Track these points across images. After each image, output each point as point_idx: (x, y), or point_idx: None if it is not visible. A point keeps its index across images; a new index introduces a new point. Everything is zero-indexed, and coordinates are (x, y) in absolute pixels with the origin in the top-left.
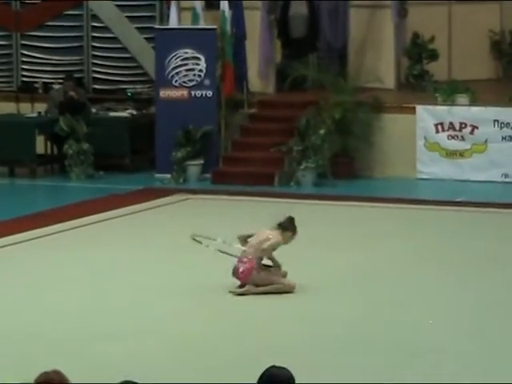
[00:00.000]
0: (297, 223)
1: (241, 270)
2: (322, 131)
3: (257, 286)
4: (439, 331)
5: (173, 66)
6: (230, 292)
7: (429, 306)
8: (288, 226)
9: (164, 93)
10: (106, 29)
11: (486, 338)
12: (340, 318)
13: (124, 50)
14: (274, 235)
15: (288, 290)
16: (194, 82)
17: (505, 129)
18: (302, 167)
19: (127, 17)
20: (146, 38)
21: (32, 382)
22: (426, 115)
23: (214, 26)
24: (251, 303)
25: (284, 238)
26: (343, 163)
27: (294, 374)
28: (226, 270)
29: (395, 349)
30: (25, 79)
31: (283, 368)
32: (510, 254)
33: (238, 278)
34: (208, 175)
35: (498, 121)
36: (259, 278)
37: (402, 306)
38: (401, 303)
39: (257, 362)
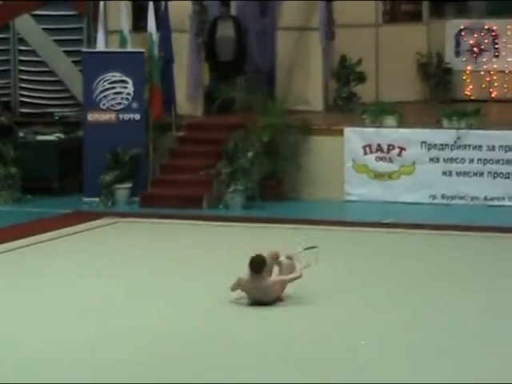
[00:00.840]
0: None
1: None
2: (250, 154)
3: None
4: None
5: (100, 89)
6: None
7: (359, 326)
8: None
9: (92, 116)
10: (33, 52)
11: (414, 355)
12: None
13: (51, 73)
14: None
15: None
16: (121, 106)
17: (432, 150)
18: (230, 190)
19: (54, 40)
20: (73, 62)
21: None
22: (354, 137)
23: (142, 50)
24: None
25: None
26: (272, 186)
27: None
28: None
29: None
30: None
31: None
32: (440, 274)
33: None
34: (136, 198)
35: (425, 142)
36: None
37: (340, 329)
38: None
39: None
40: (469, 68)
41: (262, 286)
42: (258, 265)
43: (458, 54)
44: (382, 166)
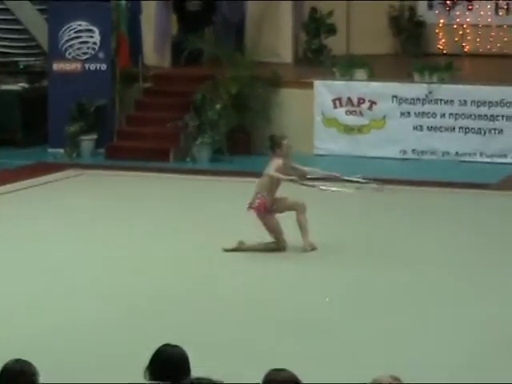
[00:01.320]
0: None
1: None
2: (218, 106)
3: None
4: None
5: (66, 38)
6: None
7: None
8: (273, 144)
9: (57, 66)
10: None
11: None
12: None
13: (16, 21)
14: (272, 163)
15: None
16: (87, 55)
17: (403, 104)
18: (197, 143)
19: None
20: (38, 10)
21: None
22: (324, 90)
23: None
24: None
25: (281, 155)
26: (240, 139)
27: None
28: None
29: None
30: None
31: (176, 346)
32: (406, 232)
33: (253, 208)
34: (102, 150)
35: (396, 96)
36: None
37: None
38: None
39: None
40: (441, 21)
41: None
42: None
43: (430, 6)
44: (352, 120)
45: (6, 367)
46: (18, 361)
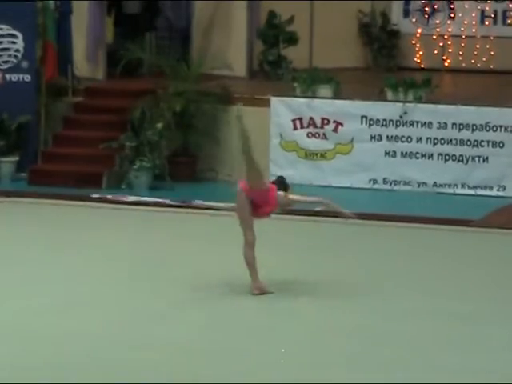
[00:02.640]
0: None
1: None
2: (159, 125)
3: None
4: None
5: None
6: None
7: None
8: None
9: None
10: None
11: None
12: None
13: None
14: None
15: None
16: (9, 64)
17: (374, 126)
18: (135, 167)
19: None
20: None
21: None
22: (283, 109)
23: None
24: None
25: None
26: (184, 163)
27: None
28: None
29: None
30: None
31: None
32: (377, 273)
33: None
34: (24, 174)
35: (366, 117)
36: None
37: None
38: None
39: None
40: (419, 31)
41: None
42: None
43: (406, 13)
44: (315, 144)
45: None
46: None
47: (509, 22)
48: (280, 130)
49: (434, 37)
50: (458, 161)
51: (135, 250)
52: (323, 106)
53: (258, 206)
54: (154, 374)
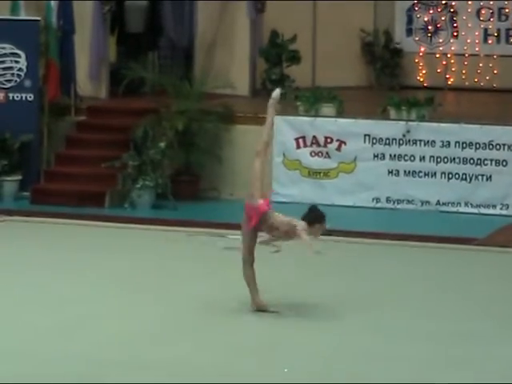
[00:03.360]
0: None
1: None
2: (162, 144)
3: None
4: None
5: None
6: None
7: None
8: (314, 219)
9: None
10: None
11: None
12: None
13: None
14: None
15: None
16: (12, 83)
17: (377, 145)
18: (138, 186)
19: None
20: None
21: None
22: (286, 128)
23: (38, 18)
24: None
25: (312, 231)
26: (186, 182)
27: None
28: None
29: None
30: None
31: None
32: (380, 294)
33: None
34: (27, 193)
35: (369, 136)
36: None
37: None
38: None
39: None
40: (422, 49)
41: None
42: None
43: (409, 32)
44: (318, 163)
45: None
46: None
47: None
48: (283, 149)
49: (437, 55)
50: (462, 179)
51: (137, 270)
52: (326, 124)
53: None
54: None
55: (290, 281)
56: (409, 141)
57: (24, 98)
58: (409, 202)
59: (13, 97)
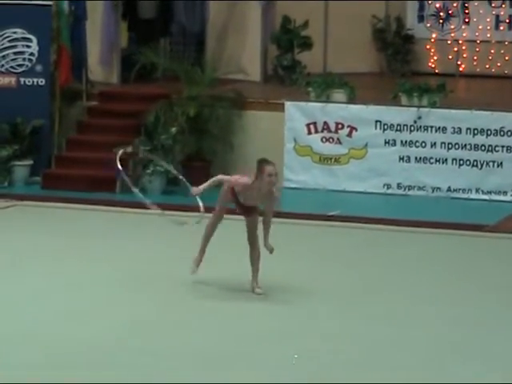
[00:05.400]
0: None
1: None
2: (173, 129)
3: None
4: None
5: None
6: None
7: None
8: (259, 166)
9: None
10: None
11: None
12: None
13: None
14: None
15: None
16: (23, 68)
17: (388, 131)
18: (148, 171)
19: None
20: None
21: None
22: (297, 113)
23: (49, 3)
24: None
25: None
26: (198, 168)
27: None
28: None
29: None
30: None
31: None
32: (391, 280)
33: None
34: (38, 178)
35: (380, 122)
36: None
37: None
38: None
39: None
40: (433, 36)
41: None
42: None
43: (421, 18)
44: (329, 148)
45: None
46: None
47: None
48: (294, 135)
49: (449, 42)
50: (473, 166)
51: (148, 255)
52: (337, 110)
53: None
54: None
55: (300, 268)
56: (420, 127)
57: (35, 83)
58: (420, 188)
59: (24, 81)
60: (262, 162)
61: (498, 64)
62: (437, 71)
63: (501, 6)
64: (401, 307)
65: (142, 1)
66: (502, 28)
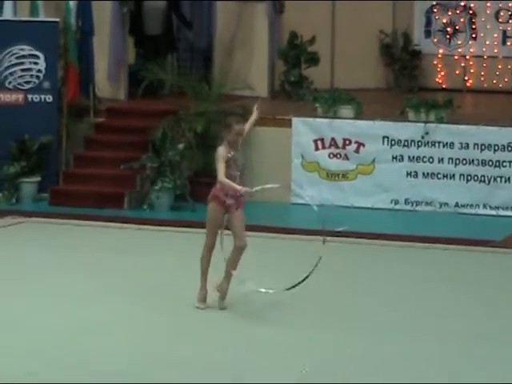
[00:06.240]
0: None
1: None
2: (180, 146)
3: None
4: None
5: (6, 64)
6: None
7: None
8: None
9: None
10: None
11: None
12: None
13: None
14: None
15: None
16: (31, 85)
17: (395, 147)
18: (156, 187)
19: None
20: None
21: None
22: (304, 129)
23: (56, 19)
24: None
25: (227, 140)
26: (205, 184)
27: None
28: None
29: None
30: None
31: None
32: (399, 296)
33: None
34: (46, 195)
35: (387, 137)
36: None
37: None
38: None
39: None
40: (440, 51)
41: None
42: None
43: (428, 34)
44: (336, 164)
45: None
46: None
47: None
48: (301, 151)
49: (456, 57)
50: (480, 181)
51: (156, 272)
52: (345, 126)
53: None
54: None
55: (307, 284)
56: (427, 143)
57: (43, 100)
58: (427, 203)
59: (32, 98)
60: (231, 121)
61: (506, 79)
62: (444, 87)
63: (508, 22)
64: (407, 321)
65: (149, 17)
66: (509, 43)
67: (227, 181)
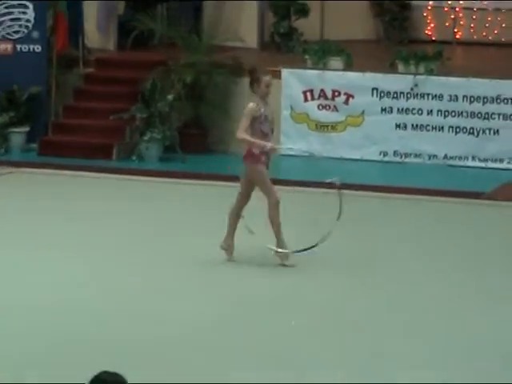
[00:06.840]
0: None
1: None
2: (170, 97)
3: None
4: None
5: None
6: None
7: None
8: (251, 80)
9: None
10: None
11: None
12: None
13: None
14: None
15: None
16: (19, 34)
17: (385, 98)
18: (145, 138)
19: None
20: None
21: None
22: (294, 80)
23: None
24: None
25: (258, 94)
26: (195, 135)
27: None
28: None
29: None
30: None
31: (115, 373)
32: (387, 248)
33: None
34: (34, 145)
35: (377, 89)
36: None
37: None
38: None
39: None
40: (430, 3)
41: None
42: None
43: None
44: (325, 116)
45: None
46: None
47: None
48: (291, 102)
49: (446, 9)
50: (469, 133)
51: (145, 221)
52: (334, 78)
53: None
54: (171, 348)
55: (297, 236)
56: (417, 95)
57: (32, 50)
58: (416, 155)
59: (21, 48)
60: (257, 73)
61: (495, 31)
62: (433, 38)
63: None
64: (397, 276)
65: None
66: None
67: (247, 137)
